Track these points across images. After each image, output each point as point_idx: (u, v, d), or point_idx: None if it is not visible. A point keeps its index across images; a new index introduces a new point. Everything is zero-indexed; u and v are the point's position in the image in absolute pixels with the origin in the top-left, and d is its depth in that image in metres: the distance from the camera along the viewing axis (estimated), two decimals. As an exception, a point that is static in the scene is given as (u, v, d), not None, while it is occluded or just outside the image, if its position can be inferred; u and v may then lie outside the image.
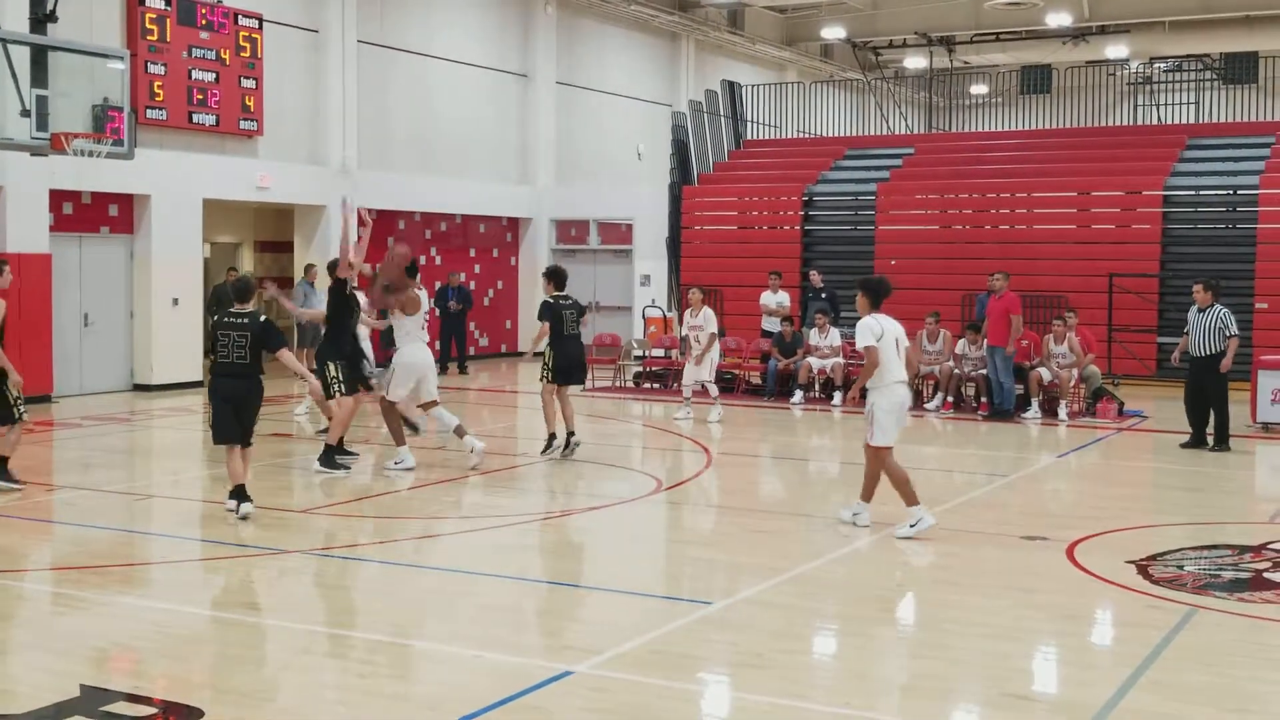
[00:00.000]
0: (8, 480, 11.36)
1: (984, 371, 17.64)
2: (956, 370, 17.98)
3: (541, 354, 13.40)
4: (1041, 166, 23.15)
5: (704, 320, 17.15)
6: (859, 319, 10.16)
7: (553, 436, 13.52)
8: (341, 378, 12.63)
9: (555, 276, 13.65)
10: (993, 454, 14.90)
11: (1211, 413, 14.48)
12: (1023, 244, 21.84)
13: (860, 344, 10.05)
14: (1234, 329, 14.40)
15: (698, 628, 7.54)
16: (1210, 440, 14.47)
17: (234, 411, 10.49)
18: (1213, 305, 14.43)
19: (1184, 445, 14.62)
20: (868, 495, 10.24)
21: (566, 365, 13.39)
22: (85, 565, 9.01)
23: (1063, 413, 17.10)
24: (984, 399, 17.78)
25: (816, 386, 19.19)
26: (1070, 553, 9.45)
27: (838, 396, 18.57)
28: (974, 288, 19.96)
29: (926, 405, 18.01)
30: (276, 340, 10.55)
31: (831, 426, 17.42)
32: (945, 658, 7.09)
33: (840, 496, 12.50)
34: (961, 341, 18.19)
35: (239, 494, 10.41)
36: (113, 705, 6.11)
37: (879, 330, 9.96)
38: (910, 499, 9.95)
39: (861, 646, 7.41)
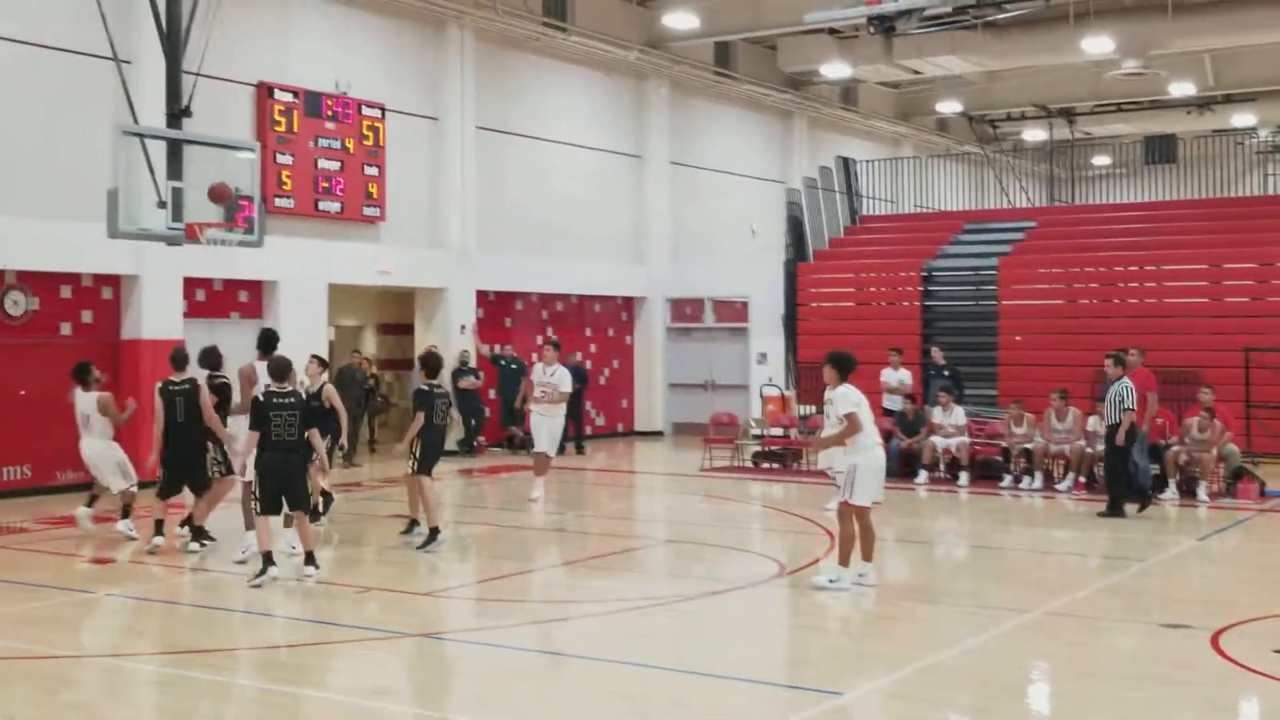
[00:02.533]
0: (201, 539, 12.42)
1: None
2: (1088, 449, 17.49)
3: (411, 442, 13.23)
4: (1170, 238, 22.65)
5: (837, 398, 16.34)
6: (835, 389, 11.11)
7: (414, 523, 13.41)
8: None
9: (427, 364, 13.87)
10: (1129, 537, 14.42)
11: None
12: (1153, 318, 21.31)
13: (842, 410, 10.91)
14: None
15: (828, 719, 7.34)
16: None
17: (280, 484, 11.23)
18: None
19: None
20: (867, 554, 10.87)
21: (434, 456, 13.31)
22: (212, 648, 9.10)
23: (1202, 493, 16.52)
24: (1081, 478, 17.28)
25: (941, 466, 18.82)
26: (1214, 641, 9.05)
27: (964, 476, 18.19)
28: (1102, 364, 19.45)
29: (1058, 486, 17.53)
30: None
31: (958, 508, 17.03)
32: (1088, 754, 6.79)
33: (970, 581, 12.21)
34: (1092, 419, 17.70)
35: (267, 559, 11.12)
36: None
37: (858, 397, 10.98)
38: (844, 560, 10.77)
39: (999, 741, 7.14)
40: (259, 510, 11.26)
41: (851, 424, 10.84)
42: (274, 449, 11.11)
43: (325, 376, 14.27)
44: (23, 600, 10.52)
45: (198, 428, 12.52)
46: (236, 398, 12.89)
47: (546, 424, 16.13)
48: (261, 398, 11.24)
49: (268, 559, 11.04)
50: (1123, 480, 15.29)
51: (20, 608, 10.32)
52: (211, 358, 12.99)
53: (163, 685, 8.34)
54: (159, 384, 12.57)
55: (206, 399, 12.57)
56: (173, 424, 12.43)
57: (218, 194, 14.20)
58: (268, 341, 12.94)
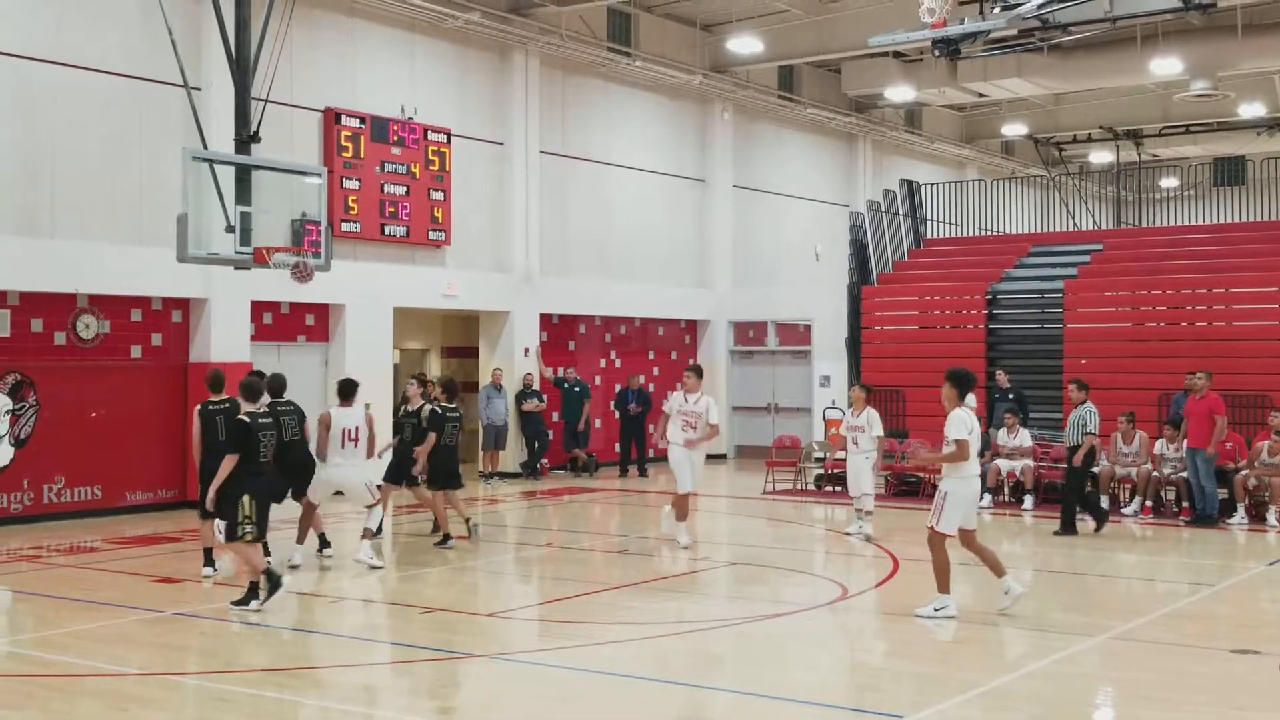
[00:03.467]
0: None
1: (1184, 474, 16.92)
2: (1155, 473, 17.27)
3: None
4: (1239, 260, 22.29)
5: (867, 422, 15.61)
6: (952, 411, 10.63)
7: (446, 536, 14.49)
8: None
9: (447, 389, 15.02)
10: (1196, 562, 14.21)
11: None
12: (1221, 341, 20.97)
13: (954, 435, 10.50)
14: None
15: (888, 743, 7.30)
16: None
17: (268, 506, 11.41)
18: None
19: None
20: (944, 587, 10.66)
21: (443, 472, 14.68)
22: (281, 667, 9.21)
23: (1271, 518, 16.25)
24: (1185, 504, 17.02)
25: (1006, 490, 18.64)
26: (1286, 668, 8.91)
27: (1029, 500, 18.02)
28: (1170, 386, 19.23)
29: (1124, 510, 17.33)
30: None
31: (1022, 531, 16.86)
32: (1154, 781, 6.70)
33: (1034, 605, 12.06)
34: (1160, 442, 17.50)
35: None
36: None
37: (971, 424, 10.54)
38: (944, 586, 10.62)
39: (1063, 767, 7.05)
40: (252, 536, 11.07)
41: (960, 450, 10.53)
42: (261, 472, 11.10)
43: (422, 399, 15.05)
44: (94, 619, 10.70)
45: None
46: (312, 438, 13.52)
47: (689, 459, 14.74)
48: (247, 419, 11.06)
49: (272, 578, 10.92)
50: (1075, 500, 15.90)
51: (91, 626, 10.50)
52: (278, 383, 13.15)
53: (230, 704, 8.45)
54: (199, 406, 12.39)
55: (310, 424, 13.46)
56: (214, 444, 12.06)
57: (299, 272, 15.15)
58: (346, 390, 13.56)
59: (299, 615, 11.21)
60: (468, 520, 14.90)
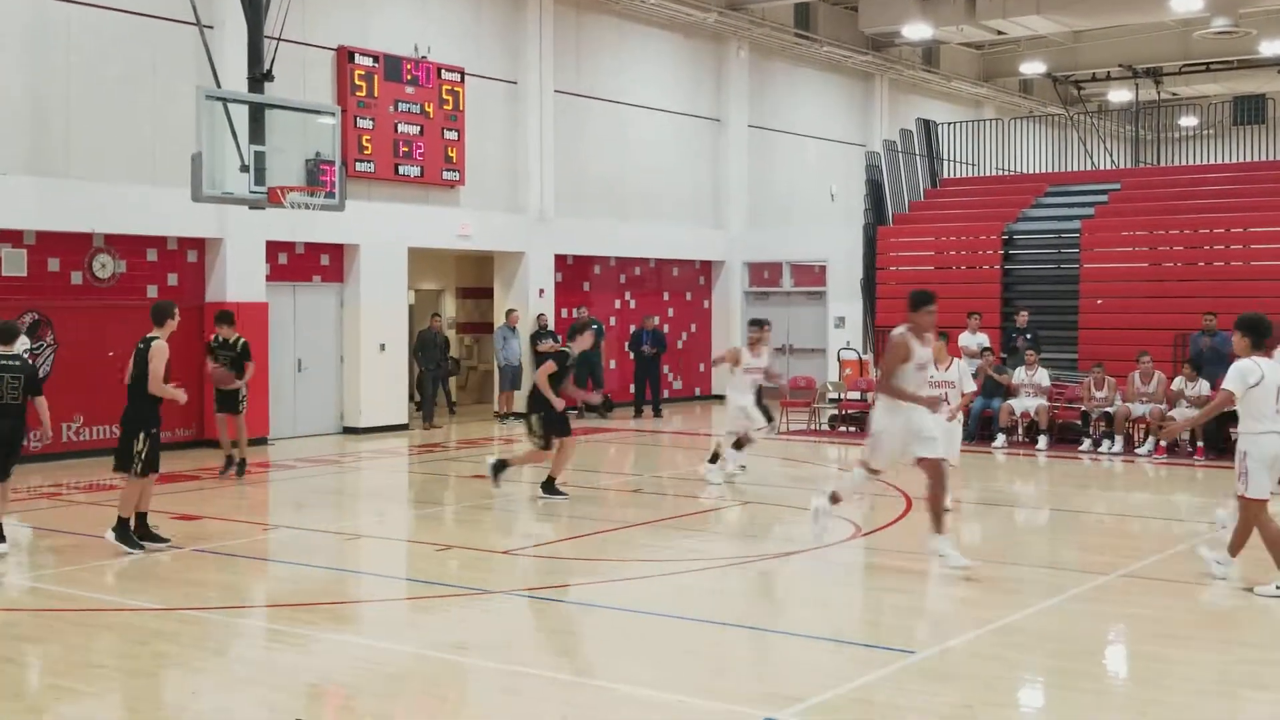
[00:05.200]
0: (131, 544, 10.91)
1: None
2: (1170, 412, 17.26)
3: None
4: (1258, 200, 22.13)
5: (957, 376, 12.86)
6: (1238, 359, 9.36)
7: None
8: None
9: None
10: (1211, 501, 14.22)
11: None
12: (1238, 281, 20.88)
13: (1225, 385, 9.34)
14: None
15: (900, 677, 7.36)
16: None
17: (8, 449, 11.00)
18: None
19: None
20: (1235, 549, 9.59)
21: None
22: (299, 603, 9.31)
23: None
24: (1199, 443, 17.02)
25: (1020, 430, 18.65)
26: (1299, 606, 8.93)
27: (1043, 440, 18.03)
28: (1187, 327, 19.17)
29: (1138, 450, 17.35)
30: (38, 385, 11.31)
31: (1036, 471, 16.89)
32: (1161, 715, 6.75)
33: (1047, 544, 12.12)
34: (1178, 379, 17.50)
35: None
36: (325, 740, 6.27)
37: (1256, 376, 9.12)
38: None
39: (1073, 701, 7.10)
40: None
41: (1220, 401, 9.50)
42: (2, 414, 10.94)
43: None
44: (113, 555, 10.80)
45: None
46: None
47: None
48: None
49: None
50: None
51: (109, 562, 10.61)
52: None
53: (249, 638, 8.55)
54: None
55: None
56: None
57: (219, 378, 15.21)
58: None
59: (319, 553, 11.31)
60: None
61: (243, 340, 15.46)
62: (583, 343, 13.97)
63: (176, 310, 11.60)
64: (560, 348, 14.43)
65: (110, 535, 10.94)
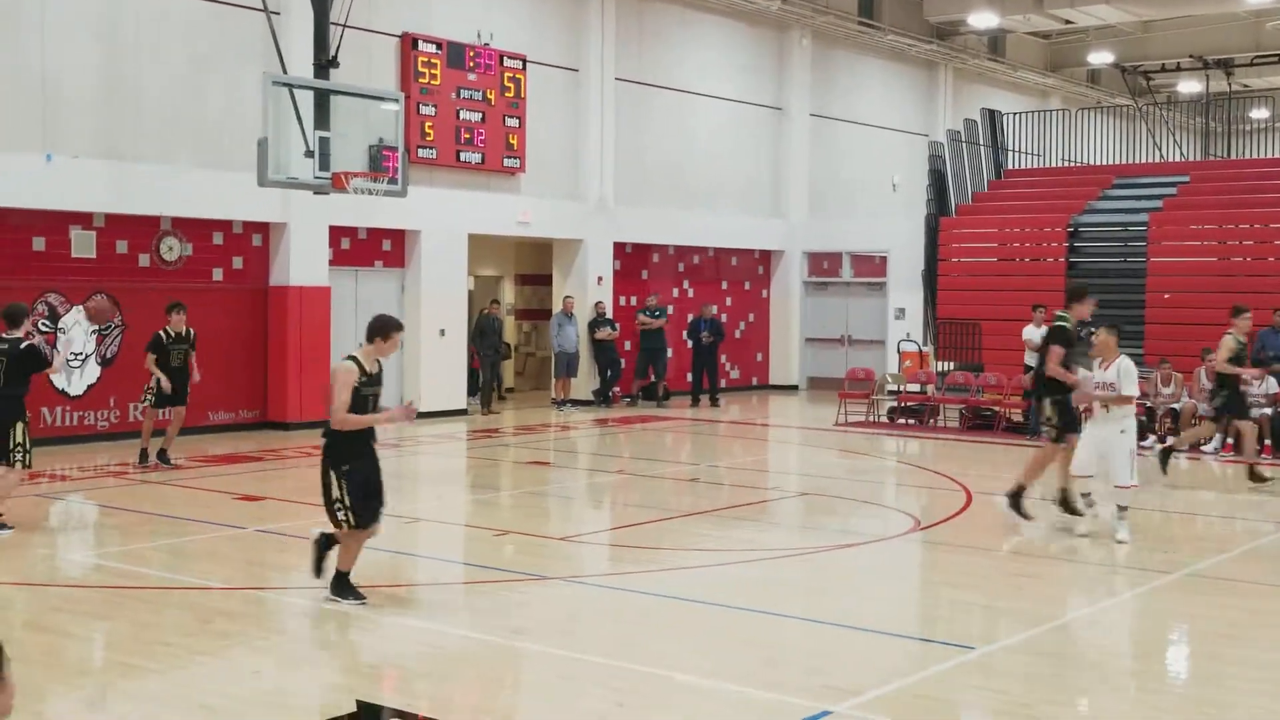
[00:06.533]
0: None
1: (1268, 410, 16.65)
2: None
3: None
4: (1330, 194, 21.73)
5: (1119, 375, 11.06)
6: None
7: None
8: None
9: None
10: (1278, 500, 13.99)
11: None
12: (1309, 276, 20.53)
13: None
14: None
15: (958, 674, 7.31)
16: None
17: None
18: None
19: None
20: None
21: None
22: (359, 584, 9.39)
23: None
24: (1267, 441, 16.75)
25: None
26: (1367, 609, 8.78)
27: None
28: (1257, 323, 18.83)
29: (1204, 447, 17.10)
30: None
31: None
32: (1222, 716, 6.66)
33: (1107, 540, 11.95)
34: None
35: None
36: (384, 722, 6.34)
37: None
38: None
39: (1134, 701, 7.02)
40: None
41: None
42: None
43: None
44: (178, 534, 10.97)
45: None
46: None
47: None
48: None
49: None
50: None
51: (175, 540, 10.76)
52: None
53: (308, 617, 8.64)
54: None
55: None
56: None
57: (96, 311, 14.58)
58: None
59: (379, 536, 11.40)
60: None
61: (194, 333, 14.82)
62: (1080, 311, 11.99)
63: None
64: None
65: None
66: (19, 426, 10.86)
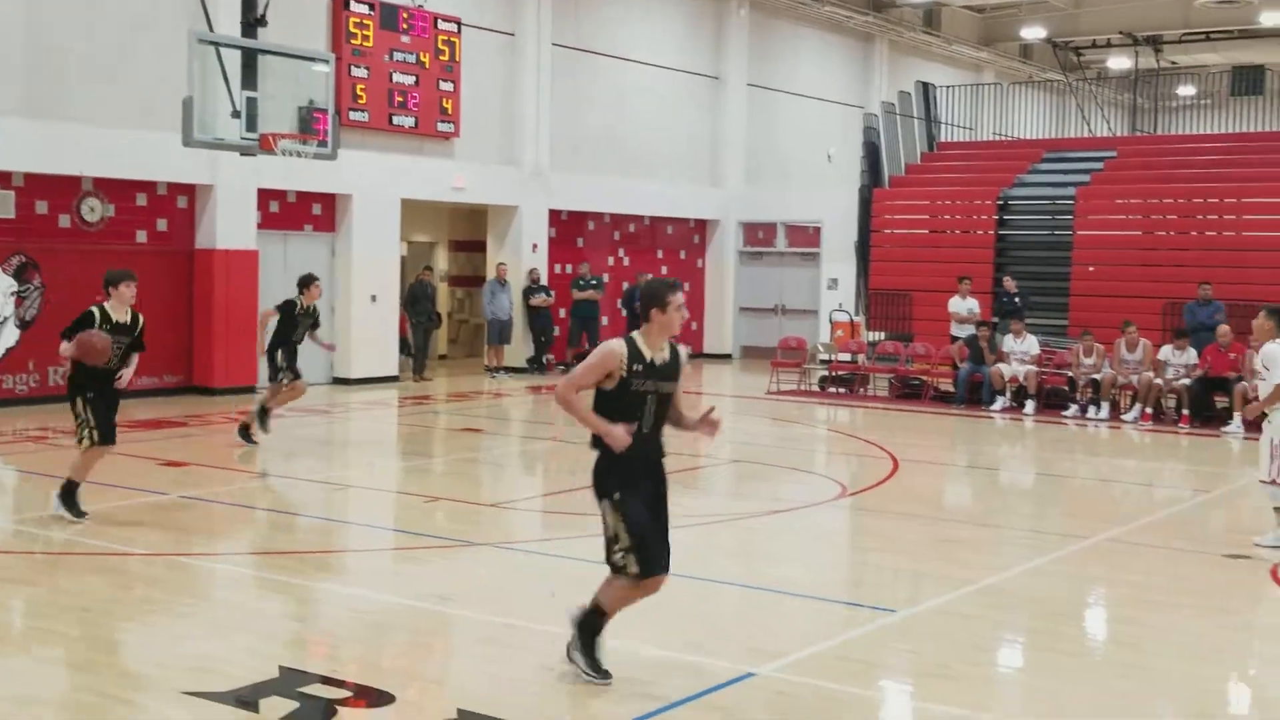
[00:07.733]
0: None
1: (1186, 382, 16.98)
2: (1157, 380, 17.33)
3: None
4: (1253, 170, 22.11)
5: (1270, 361, 9.79)
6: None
7: None
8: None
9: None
10: (1194, 469, 14.30)
11: None
12: (1231, 251, 20.91)
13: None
14: None
15: (880, 635, 7.42)
16: None
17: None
18: None
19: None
20: None
21: None
22: (285, 550, 9.35)
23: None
24: (1185, 411, 17.10)
25: (1008, 394, 18.70)
26: (1275, 572, 9.00)
27: (1030, 405, 18.09)
28: (1178, 296, 19.22)
29: (1124, 416, 17.42)
30: None
31: (1023, 435, 16.96)
32: (1139, 678, 6.81)
33: (1030, 508, 12.18)
34: (1165, 349, 17.55)
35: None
36: (308, 687, 6.31)
37: None
38: None
39: (1051, 663, 7.15)
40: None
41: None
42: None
43: None
44: (100, 500, 10.82)
45: None
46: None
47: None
48: None
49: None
50: None
51: (97, 507, 10.61)
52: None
53: (234, 584, 8.58)
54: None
55: None
56: None
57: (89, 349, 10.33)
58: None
59: (307, 502, 11.34)
60: None
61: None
62: None
63: None
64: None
65: None
66: None
